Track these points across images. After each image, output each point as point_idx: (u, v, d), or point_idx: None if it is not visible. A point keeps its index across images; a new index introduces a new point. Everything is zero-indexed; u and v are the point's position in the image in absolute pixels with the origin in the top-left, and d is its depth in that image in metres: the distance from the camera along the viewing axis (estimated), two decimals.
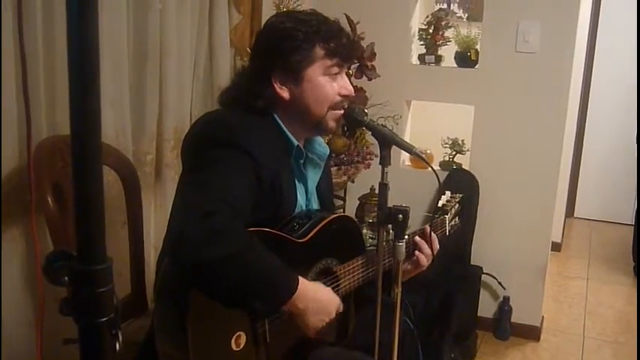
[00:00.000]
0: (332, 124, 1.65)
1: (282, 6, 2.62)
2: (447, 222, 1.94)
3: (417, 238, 1.76)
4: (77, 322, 0.85)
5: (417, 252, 1.75)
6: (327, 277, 1.62)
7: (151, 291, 1.92)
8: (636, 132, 4.22)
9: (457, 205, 2.01)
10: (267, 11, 2.70)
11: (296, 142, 1.64)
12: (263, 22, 2.65)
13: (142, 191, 2.00)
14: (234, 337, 1.42)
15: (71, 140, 0.81)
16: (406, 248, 1.62)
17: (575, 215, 5.70)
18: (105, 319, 0.85)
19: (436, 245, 1.78)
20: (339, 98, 1.62)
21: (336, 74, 1.62)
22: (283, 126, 1.62)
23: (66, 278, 0.84)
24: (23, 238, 1.75)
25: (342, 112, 1.63)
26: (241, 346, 1.44)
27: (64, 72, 1.67)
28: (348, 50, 1.64)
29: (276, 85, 1.59)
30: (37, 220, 1.61)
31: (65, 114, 1.79)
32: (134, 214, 1.96)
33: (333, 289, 1.60)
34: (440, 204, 1.96)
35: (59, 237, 1.65)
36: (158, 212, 2.31)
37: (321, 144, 1.78)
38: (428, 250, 1.76)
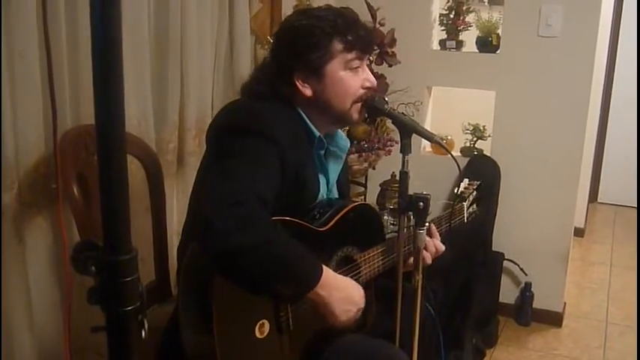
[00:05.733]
0: (356, 115, 1.65)
1: None
2: (465, 209, 1.95)
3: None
4: (104, 310, 0.87)
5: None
6: (347, 265, 1.64)
7: (174, 277, 1.94)
8: None
9: (475, 192, 2.01)
10: None
11: (317, 134, 1.64)
12: (283, 9, 2.68)
13: (164, 179, 2.02)
14: (258, 324, 1.44)
15: (96, 131, 0.82)
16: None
17: (598, 200, 5.64)
18: (131, 307, 0.87)
19: (440, 247, 1.76)
20: (362, 91, 1.63)
21: (357, 67, 1.62)
22: (306, 117, 1.63)
23: (93, 268, 0.86)
24: (49, 226, 1.78)
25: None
26: (265, 334, 1.46)
27: (87, 63, 1.70)
28: (366, 41, 1.63)
29: (298, 83, 1.60)
30: (63, 208, 1.63)
31: (88, 105, 1.82)
32: (157, 201, 1.98)
33: (353, 276, 1.61)
34: (458, 191, 1.97)
35: (84, 225, 1.67)
36: (180, 199, 2.33)
37: (342, 137, 1.79)
38: (432, 249, 1.73)
